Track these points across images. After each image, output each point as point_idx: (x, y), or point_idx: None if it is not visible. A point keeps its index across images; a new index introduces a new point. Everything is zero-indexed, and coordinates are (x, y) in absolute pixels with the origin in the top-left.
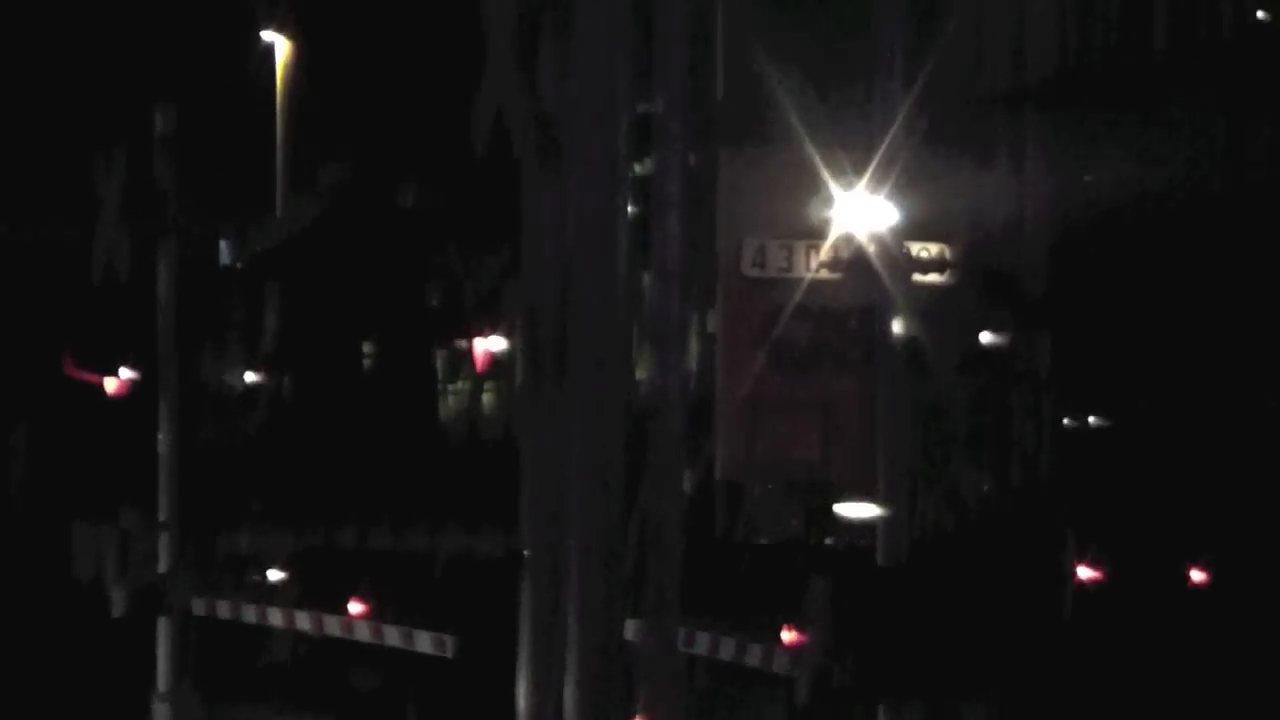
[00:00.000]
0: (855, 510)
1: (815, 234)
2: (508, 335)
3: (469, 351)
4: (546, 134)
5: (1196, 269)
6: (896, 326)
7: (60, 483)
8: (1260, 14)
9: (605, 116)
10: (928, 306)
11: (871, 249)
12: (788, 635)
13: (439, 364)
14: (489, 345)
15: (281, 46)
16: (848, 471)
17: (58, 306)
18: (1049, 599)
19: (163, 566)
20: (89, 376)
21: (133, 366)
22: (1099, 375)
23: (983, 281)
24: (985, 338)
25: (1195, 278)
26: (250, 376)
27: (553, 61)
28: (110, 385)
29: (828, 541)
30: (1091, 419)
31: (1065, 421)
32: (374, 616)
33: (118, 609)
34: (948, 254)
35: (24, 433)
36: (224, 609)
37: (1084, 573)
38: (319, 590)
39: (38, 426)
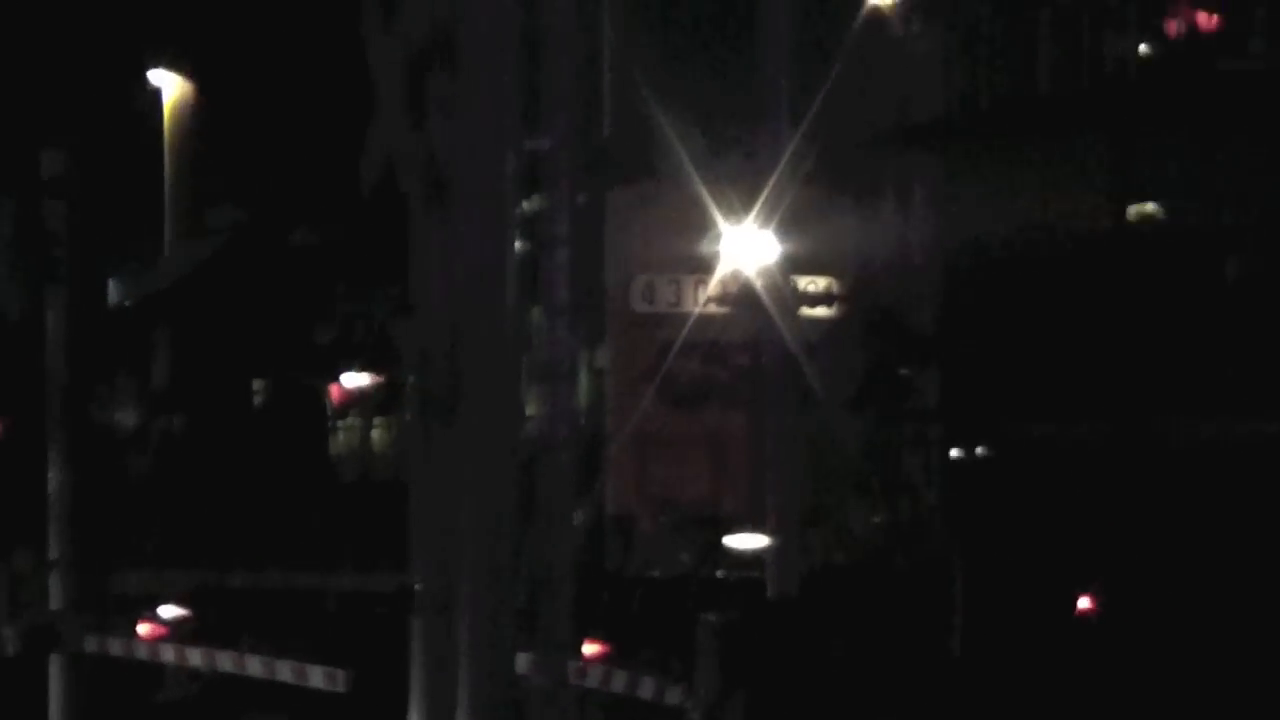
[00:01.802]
0: (745, 542)
1: (703, 269)
2: (388, 371)
3: (360, 388)
4: (433, 173)
5: (1081, 302)
6: (784, 361)
7: None
8: (1142, 47)
9: (492, 154)
10: (815, 340)
11: (759, 283)
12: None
13: (328, 402)
14: (347, 381)
15: (170, 88)
16: (737, 506)
17: None
18: (939, 632)
19: (55, 605)
20: None
21: (13, 407)
22: (986, 407)
23: (870, 316)
24: (872, 372)
25: (1080, 310)
26: (140, 416)
27: (440, 101)
28: None
29: (719, 574)
30: (978, 450)
31: (953, 453)
32: (267, 653)
33: (9, 648)
34: (835, 288)
35: None
36: (116, 647)
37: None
38: (212, 628)
39: None
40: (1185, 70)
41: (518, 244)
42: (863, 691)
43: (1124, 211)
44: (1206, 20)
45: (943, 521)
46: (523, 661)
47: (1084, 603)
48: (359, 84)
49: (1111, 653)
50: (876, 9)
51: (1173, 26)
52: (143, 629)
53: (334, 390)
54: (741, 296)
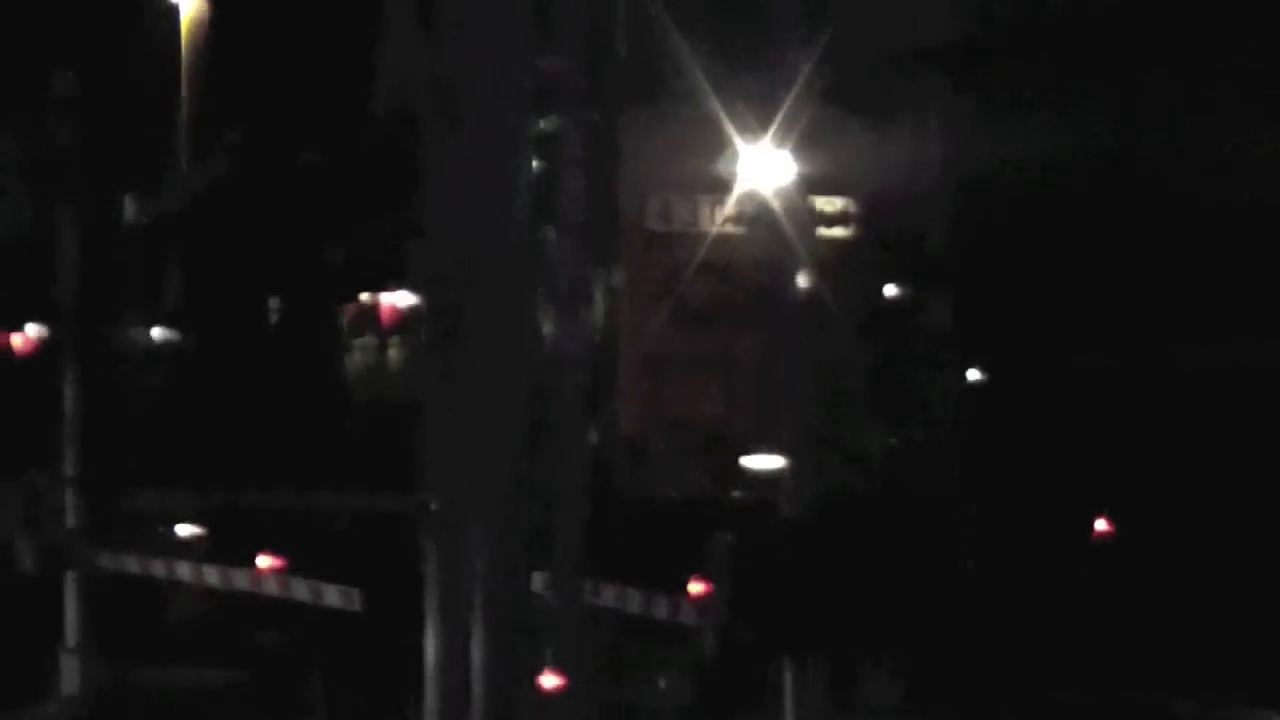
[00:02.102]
0: (761, 462)
1: (720, 189)
2: (414, 291)
3: (375, 307)
4: (445, 92)
5: (1095, 229)
6: (799, 282)
7: None
8: None
9: (504, 73)
10: (831, 261)
11: (775, 203)
12: (695, 587)
13: (344, 320)
14: (396, 300)
15: (187, 5)
16: (751, 427)
17: None
18: (950, 554)
19: (70, 523)
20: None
21: (40, 324)
22: (1000, 330)
23: (885, 237)
24: (888, 293)
25: (1094, 237)
26: (156, 334)
27: (451, 19)
28: (17, 342)
29: (735, 494)
30: (992, 373)
31: (970, 376)
32: (282, 571)
33: (26, 565)
34: (851, 208)
35: None
36: (132, 564)
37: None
38: (227, 547)
39: None
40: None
41: (533, 164)
42: (874, 614)
43: (1140, 138)
44: None
45: (956, 444)
46: (538, 581)
47: (1101, 525)
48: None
49: (1129, 573)
50: None
51: None
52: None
53: (386, 310)
54: (758, 216)
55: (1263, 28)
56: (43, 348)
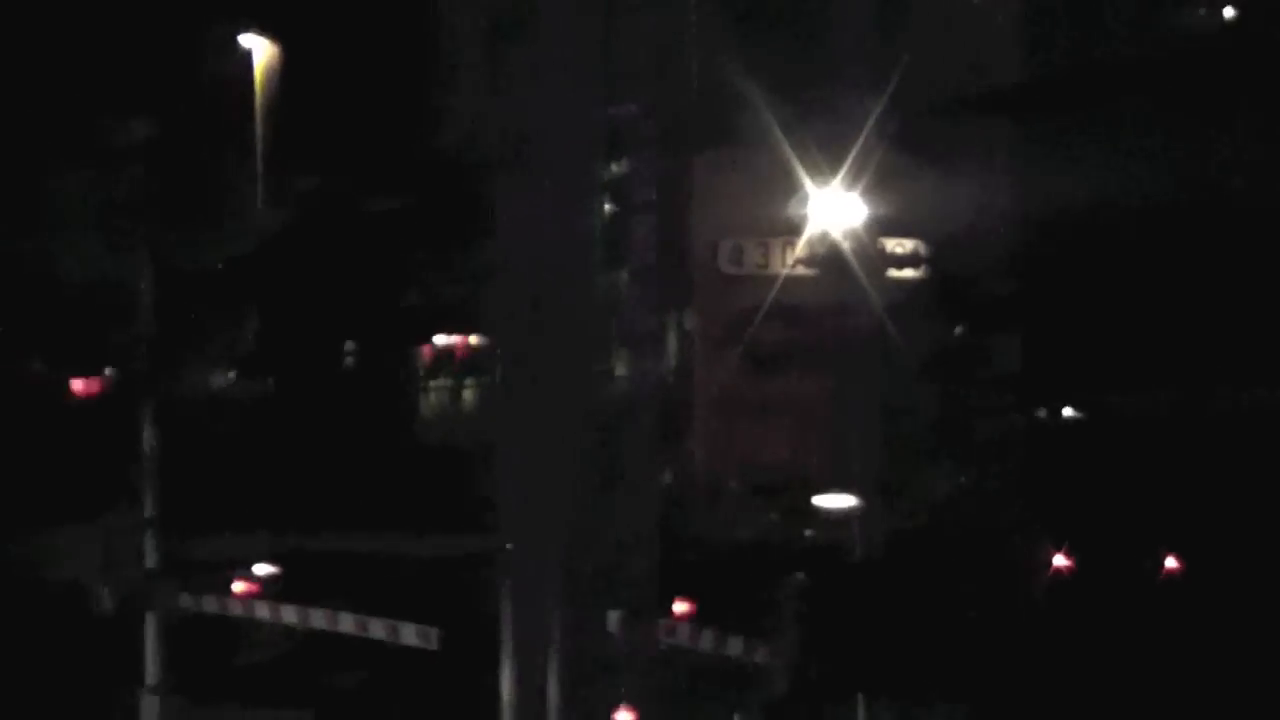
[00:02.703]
0: (833, 502)
1: (791, 231)
2: (473, 333)
3: (450, 349)
4: (517, 139)
5: (1160, 268)
6: (869, 324)
7: (40, 486)
8: (1228, 11)
9: (576, 120)
10: (900, 302)
11: (846, 245)
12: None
13: (420, 362)
14: (470, 342)
15: (260, 52)
16: (822, 468)
17: (26, 313)
18: (1022, 595)
19: (149, 564)
20: (58, 378)
21: (104, 369)
22: (1066, 371)
23: (954, 278)
24: (956, 334)
25: (1159, 276)
26: (231, 377)
27: (523, 67)
28: (78, 386)
29: (807, 534)
30: (1062, 413)
31: (1035, 415)
32: (357, 611)
33: (105, 606)
34: (922, 249)
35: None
36: (210, 604)
37: (1059, 562)
38: (303, 587)
39: (13, 430)
40: (1256, 40)
41: (605, 207)
42: (945, 656)
43: (1203, 177)
44: None
45: (1022, 487)
46: (611, 620)
47: (1171, 563)
48: (444, 52)
49: (1197, 611)
50: None
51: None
52: (237, 586)
53: (425, 350)
54: (829, 258)
55: None
56: (117, 391)
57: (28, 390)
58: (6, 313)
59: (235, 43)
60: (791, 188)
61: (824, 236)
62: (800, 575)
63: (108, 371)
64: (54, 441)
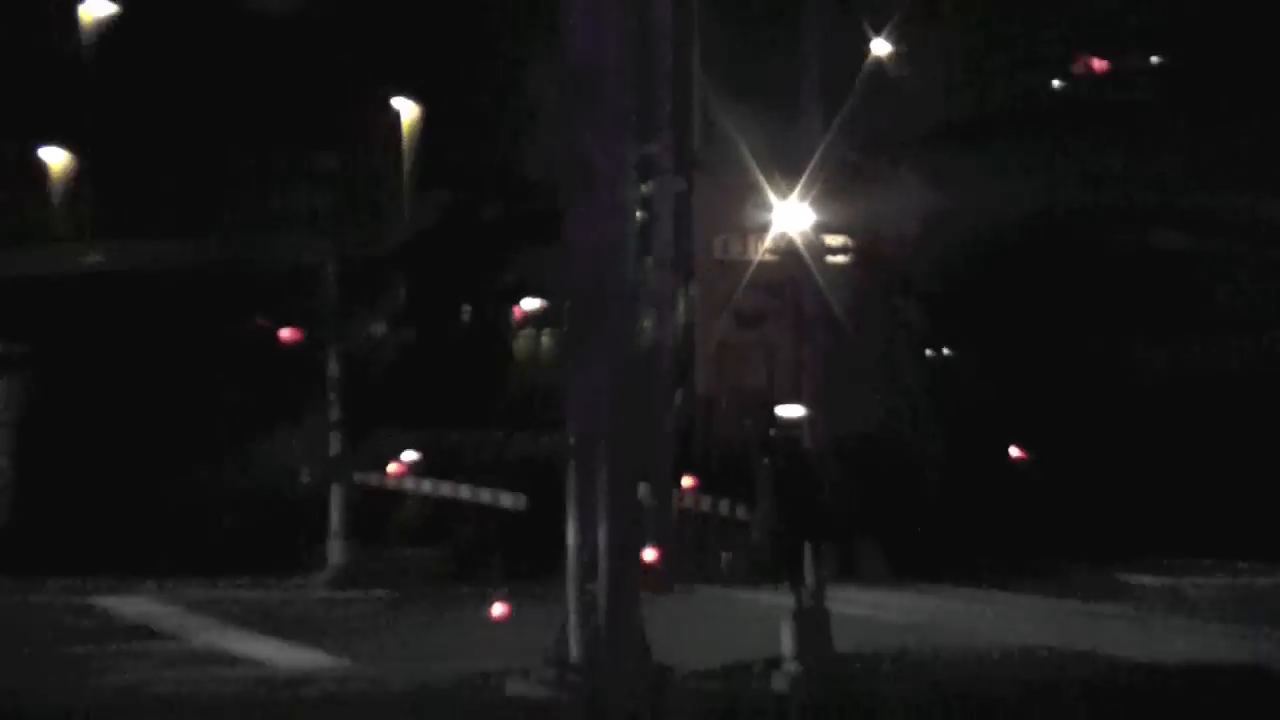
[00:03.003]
0: (790, 411)
1: (762, 229)
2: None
3: (533, 310)
4: (581, 168)
5: (1026, 254)
6: (816, 293)
7: (263, 401)
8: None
9: (619, 155)
10: (836, 278)
11: (799, 239)
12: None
13: (513, 319)
14: (524, 305)
15: (406, 112)
16: (784, 390)
17: (253, 289)
18: (918, 473)
19: (333, 452)
20: (274, 330)
21: (302, 323)
22: (956, 324)
23: (874, 262)
24: (876, 300)
25: (1025, 259)
26: (387, 329)
27: (585, 118)
28: (284, 334)
29: (771, 433)
30: (949, 353)
31: (928, 354)
32: (473, 484)
33: (305, 480)
34: (851, 243)
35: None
36: (374, 479)
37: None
38: (436, 468)
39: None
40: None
41: (637, 214)
42: (866, 511)
43: (1060, 192)
44: (1101, 64)
45: (922, 403)
46: (642, 490)
47: (1015, 452)
48: (530, 107)
49: (1041, 488)
50: (878, 57)
51: (1079, 67)
52: (391, 467)
53: (516, 311)
54: (787, 248)
55: (1136, 121)
56: (311, 338)
57: (253, 338)
58: (272, 286)
59: (390, 103)
60: (762, 199)
61: (784, 234)
62: (767, 460)
63: (304, 325)
64: (271, 372)
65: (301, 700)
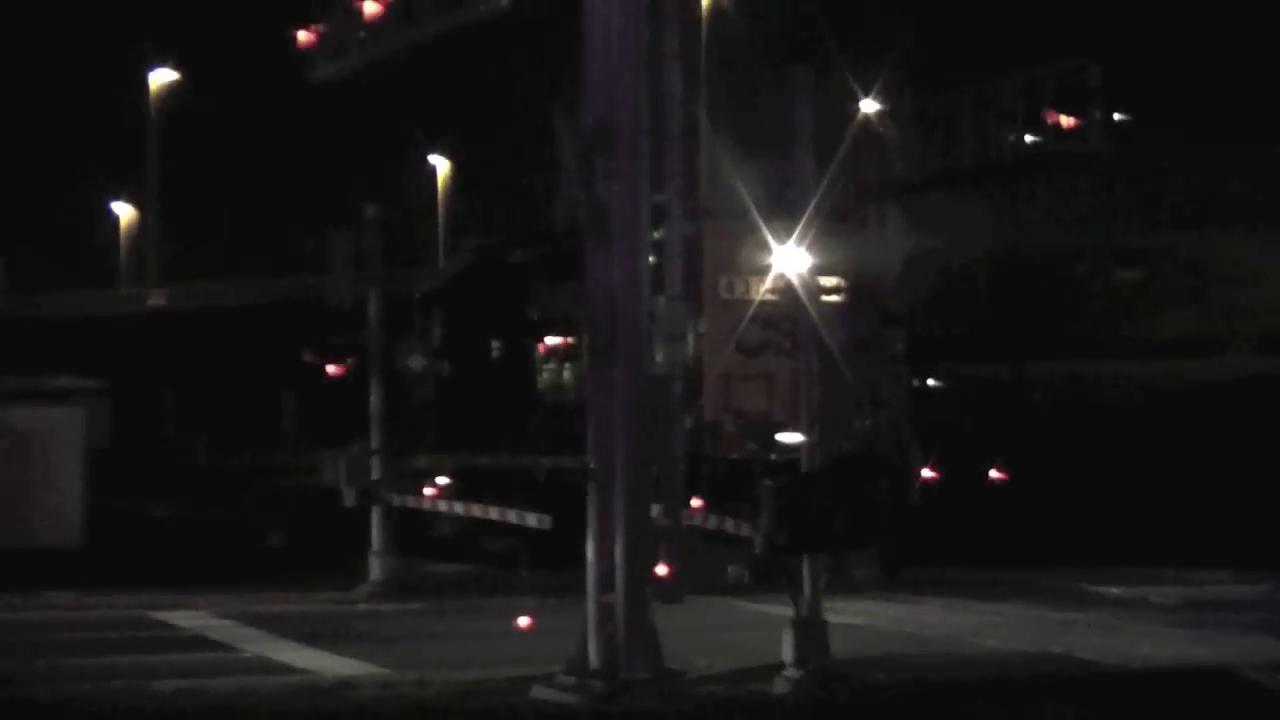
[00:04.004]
0: (790, 437)
1: (762, 271)
2: (570, 335)
3: (557, 345)
4: (599, 215)
5: (992, 289)
6: (810, 328)
7: (311, 428)
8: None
9: (635, 204)
10: (829, 314)
11: (796, 280)
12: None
13: (536, 354)
14: (568, 339)
15: (441, 168)
16: (783, 416)
17: (303, 327)
18: (904, 492)
19: (375, 476)
20: (324, 363)
21: (347, 358)
22: (934, 355)
23: (862, 299)
24: (864, 333)
25: (992, 293)
26: (424, 363)
27: (603, 171)
28: (331, 369)
29: (772, 457)
30: (930, 382)
31: (914, 384)
32: (501, 504)
33: (349, 501)
34: (843, 283)
35: (292, 399)
36: (412, 501)
37: (927, 474)
38: (467, 491)
39: (300, 397)
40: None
41: (650, 258)
42: (858, 526)
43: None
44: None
45: (909, 426)
46: (654, 510)
47: (995, 473)
48: (554, 160)
49: (1013, 504)
50: (864, 115)
51: (1060, 120)
52: (427, 491)
53: (541, 345)
54: (785, 288)
55: (1093, 171)
56: (355, 371)
57: (301, 371)
58: (293, 322)
59: (426, 160)
60: (763, 244)
61: (782, 275)
62: (769, 481)
63: (349, 359)
64: (316, 403)
65: (344, 704)
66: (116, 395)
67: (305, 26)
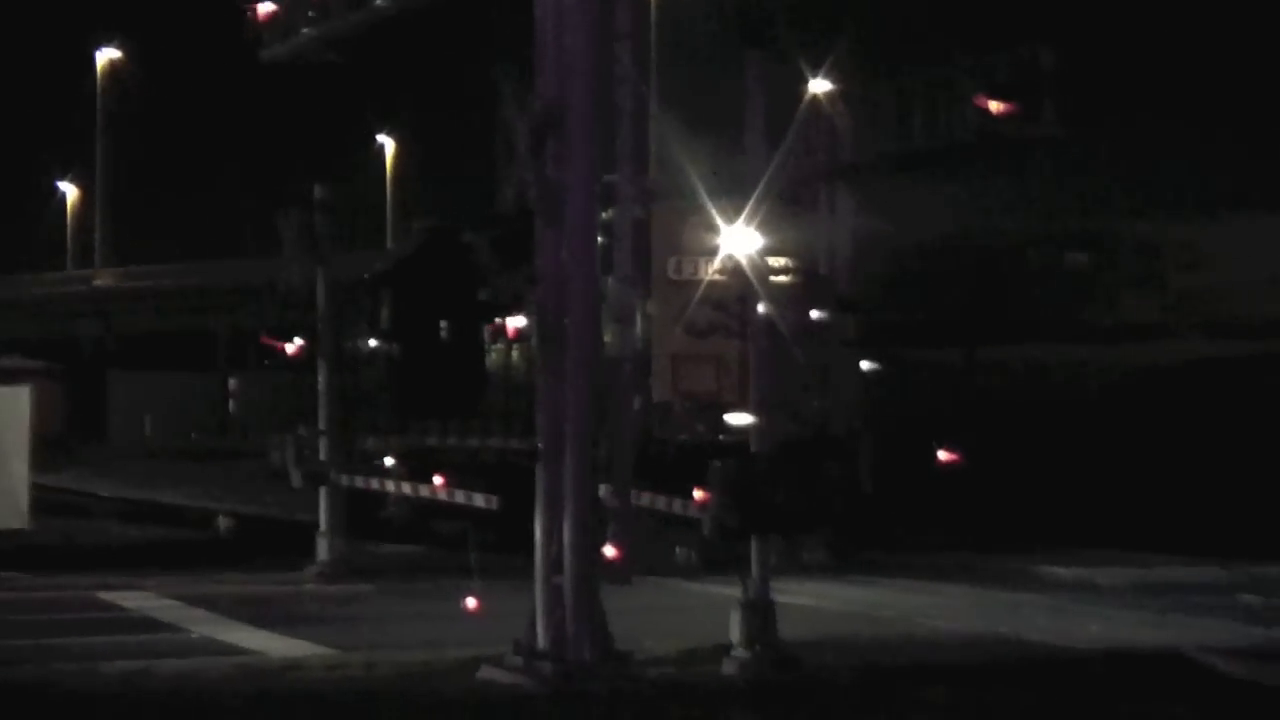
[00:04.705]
0: (739, 419)
1: (711, 252)
2: (527, 318)
3: (504, 327)
4: (550, 198)
5: (941, 275)
6: (760, 310)
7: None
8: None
9: (585, 186)
10: (778, 296)
11: (745, 261)
12: (698, 494)
13: (485, 335)
14: (517, 322)
15: (389, 146)
16: (732, 398)
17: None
18: (853, 473)
19: (322, 456)
20: (277, 345)
21: (300, 340)
22: (882, 337)
23: (812, 281)
24: (814, 315)
25: (941, 277)
26: (372, 343)
27: (554, 153)
28: (289, 349)
29: (721, 438)
30: (880, 365)
31: (865, 366)
32: (449, 486)
33: (296, 482)
34: (791, 264)
35: (239, 380)
36: (359, 482)
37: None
38: (417, 471)
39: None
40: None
41: (599, 239)
42: (808, 510)
43: (967, 221)
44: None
45: (858, 408)
46: (602, 490)
47: (944, 455)
48: (506, 142)
49: (966, 487)
50: (815, 96)
51: (989, 106)
52: (375, 470)
53: (510, 329)
54: (734, 269)
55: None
56: (305, 353)
57: (262, 350)
58: (251, 305)
59: (375, 139)
60: (712, 225)
61: (730, 255)
62: (718, 463)
63: (300, 340)
64: (268, 383)
65: (292, 685)
66: (67, 378)
67: (255, 5)
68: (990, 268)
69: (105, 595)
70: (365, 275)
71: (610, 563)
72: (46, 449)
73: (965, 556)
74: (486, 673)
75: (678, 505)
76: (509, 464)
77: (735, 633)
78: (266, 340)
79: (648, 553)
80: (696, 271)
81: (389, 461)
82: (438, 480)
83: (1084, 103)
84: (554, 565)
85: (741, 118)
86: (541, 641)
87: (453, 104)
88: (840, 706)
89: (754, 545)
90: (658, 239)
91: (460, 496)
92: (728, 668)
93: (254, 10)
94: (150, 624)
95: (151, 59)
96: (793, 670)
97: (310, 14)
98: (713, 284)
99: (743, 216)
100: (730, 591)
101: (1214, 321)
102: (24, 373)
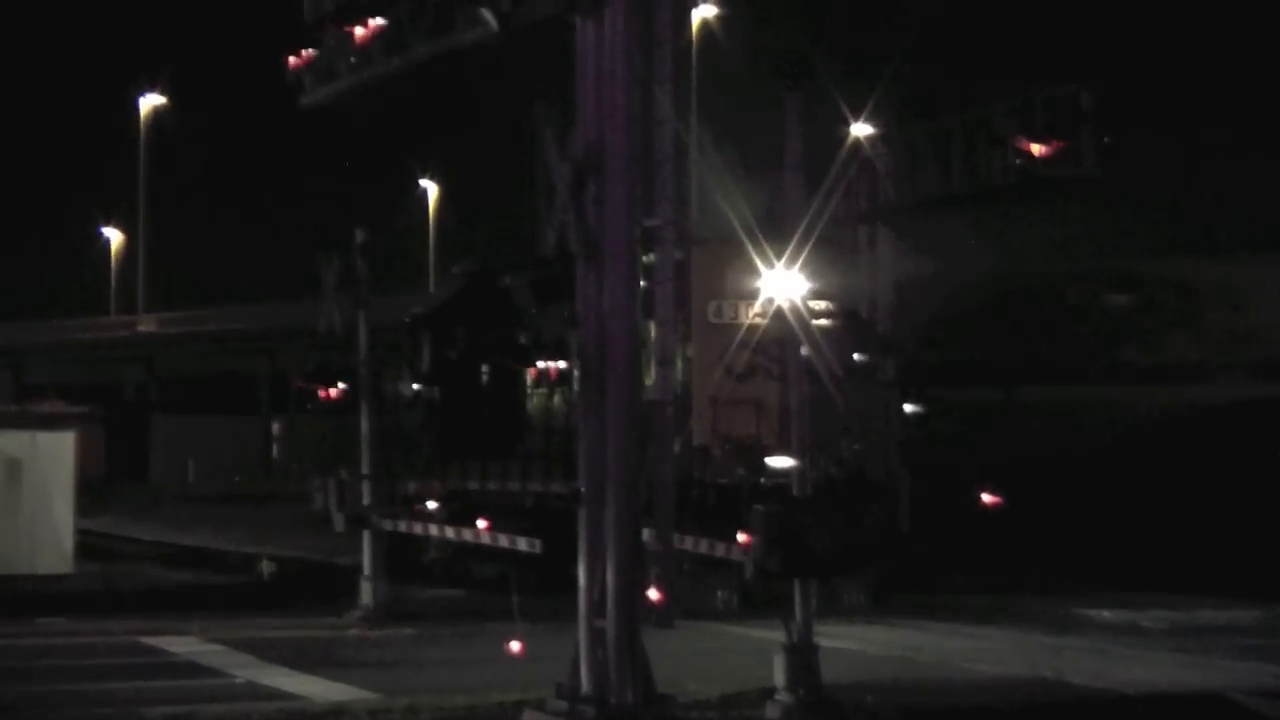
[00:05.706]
0: (779, 462)
1: (751, 296)
2: (568, 361)
3: (547, 370)
4: (590, 240)
5: (977, 313)
6: (800, 352)
7: (303, 454)
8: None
9: (625, 228)
10: (819, 339)
11: (786, 304)
12: (741, 537)
13: (526, 378)
14: (557, 365)
15: (432, 193)
16: (771, 441)
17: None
18: (893, 514)
19: (365, 501)
20: (316, 389)
21: (341, 383)
22: (926, 381)
23: (853, 324)
24: (855, 358)
25: (979, 318)
26: (414, 386)
27: (593, 196)
28: (333, 392)
29: (762, 481)
30: (919, 406)
31: (905, 408)
32: (491, 529)
33: (339, 527)
34: (833, 307)
35: (281, 424)
36: (402, 525)
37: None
38: (458, 514)
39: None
40: (1040, 177)
41: (641, 283)
42: (850, 551)
43: (1008, 262)
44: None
45: (898, 450)
46: (645, 533)
47: (987, 497)
48: (546, 186)
49: (1007, 529)
50: (856, 139)
51: (1031, 149)
52: (418, 514)
53: (531, 370)
54: (775, 312)
55: (1080, 194)
56: (346, 397)
57: (296, 394)
58: (292, 349)
59: (419, 184)
60: (752, 269)
61: (771, 299)
62: (759, 506)
63: (340, 384)
64: (310, 426)
65: None
66: (110, 422)
67: (295, 52)
68: (1030, 308)
69: (148, 640)
70: (405, 318)
71: (653, 606)
72: (89, 493)
73: (1006, 599)
74: (530, 717)
75: (719, 548)
76: (550, 507)
77: (779, 676)
78: (299, 383)
79: (688, 596)
80: (737, 315)
81: (431, 505)
82: (481, 524)
83: (1123, 142)
84: (596, 608)
85: (781, 160)
86: (585, 685)
87: (493, 147)
88: None
89: (796, 589)
90: (698, 282)
91: (504, 540)
92: (771, 711)
93: (294, 57)
94: (193, 669)
95: (194, 105)
96: (835, 714)
97: (351, 60)
98: (753, 327)
99: (783, 259)
100: (771, 635)
101: (1256, 362)
102: (68, 418)
